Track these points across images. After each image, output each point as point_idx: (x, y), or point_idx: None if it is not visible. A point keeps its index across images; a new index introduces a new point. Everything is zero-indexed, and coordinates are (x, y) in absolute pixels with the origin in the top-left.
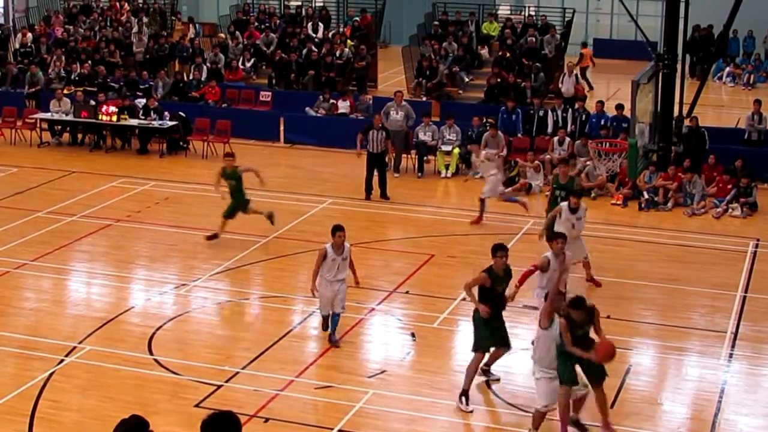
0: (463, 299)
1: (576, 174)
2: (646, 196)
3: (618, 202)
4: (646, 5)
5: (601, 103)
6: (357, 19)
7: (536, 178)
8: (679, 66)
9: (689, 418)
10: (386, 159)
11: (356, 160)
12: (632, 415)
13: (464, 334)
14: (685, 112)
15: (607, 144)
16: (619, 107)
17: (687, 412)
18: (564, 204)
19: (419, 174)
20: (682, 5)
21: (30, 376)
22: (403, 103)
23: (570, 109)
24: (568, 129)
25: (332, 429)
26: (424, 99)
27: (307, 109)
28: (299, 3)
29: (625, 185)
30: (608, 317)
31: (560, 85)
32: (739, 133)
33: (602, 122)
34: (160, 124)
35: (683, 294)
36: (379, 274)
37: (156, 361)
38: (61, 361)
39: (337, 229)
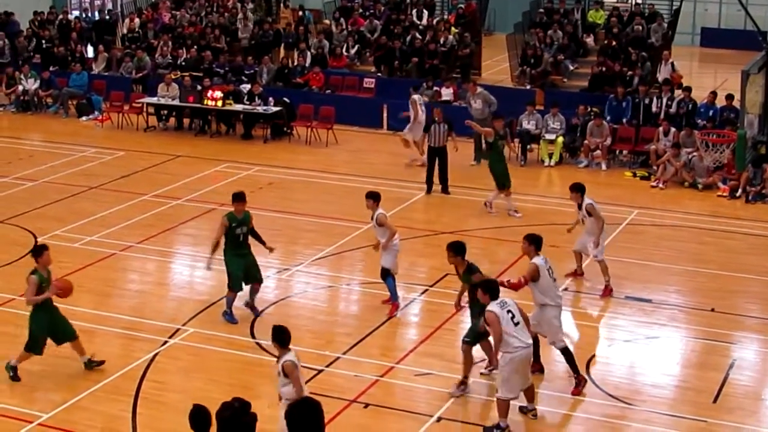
0: (565, 288)
1: None
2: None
3: (724, 194)
4: None
5: (713, 94)
6: (461, 6)
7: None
8: None
9: None
10: (447, 152)
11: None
12: (735, 410)
13: (567, 324)
14: None
15: (715, 135)
16: (729, 97)
17: None
18: None
19: (522, 162)
20: None
21: (134, 357)
22: (478, 90)
23: (674, 99)
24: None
25: (432, 416)
26: (528, 87)
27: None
28: None
29: (731, 177)
30: (712, 310)
31: (657, 75)
32: None
33: (710, 113)
34: (264, 110)
35: None
36: (480, 262)
37: (258, 344)
38: (165, 342)
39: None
